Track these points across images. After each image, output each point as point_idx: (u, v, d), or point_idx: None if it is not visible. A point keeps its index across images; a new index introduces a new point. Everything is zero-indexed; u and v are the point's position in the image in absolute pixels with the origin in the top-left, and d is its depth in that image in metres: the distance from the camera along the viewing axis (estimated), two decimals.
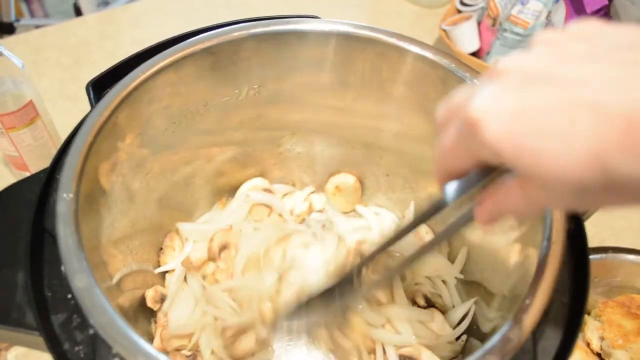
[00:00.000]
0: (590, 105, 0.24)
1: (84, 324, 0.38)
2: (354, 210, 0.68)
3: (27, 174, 0.77)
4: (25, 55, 0.97)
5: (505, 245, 0.49)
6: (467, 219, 0.35)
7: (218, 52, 0.51)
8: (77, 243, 0.37)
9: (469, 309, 0.54)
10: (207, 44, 0.50)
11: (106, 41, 1.00)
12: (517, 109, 0.26)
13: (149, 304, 0.54)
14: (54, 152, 0.77)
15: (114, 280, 0.47)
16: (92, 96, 0.50)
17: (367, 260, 0.44)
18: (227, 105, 0.55)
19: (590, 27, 0.27)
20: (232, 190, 0.66)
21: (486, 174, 0.31)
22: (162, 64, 0.48)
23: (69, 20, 1.06)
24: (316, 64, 0.54)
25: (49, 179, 0.44)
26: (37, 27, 1.83)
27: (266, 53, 0.52)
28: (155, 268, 0.58)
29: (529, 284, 0.38)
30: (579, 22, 0.28)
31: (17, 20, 1.63)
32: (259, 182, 0.66)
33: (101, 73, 0.52)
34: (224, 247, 0.57)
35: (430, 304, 0.58)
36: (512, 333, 0.36)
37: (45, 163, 0.77)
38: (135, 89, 0.46)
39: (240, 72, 0.53)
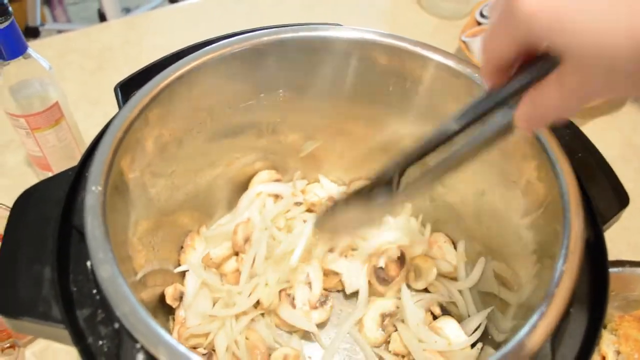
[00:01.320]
0: None
1: (108, 318, 0.39)
2: None
3: (50, 174, 0.78)
4: (49, 59, 0.98)
5: (523, 255, 0.49)
6: (507, 127, 0.36)
7: (246, 56, 0.52)
8: (104, 234, 0.38)
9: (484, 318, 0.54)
10: (236, 47, 0.51)
11: (129, 47, 1.02)
12: None
13: (168, 301, 0.55)
14: (77, 153, 0.79)
15: (138, 277, 0.48)
16: (120, 97, 0.51)
17: (405, 161, 0.41)
18: (251, 108, 0.56)
19: None
20: None
21: (527, 78, 0.32)
22: (191, 65, 0.49)
23: (93, 25, 1.08)
24: (340, 70, 0.55)
25: (77, 177, 0.45)
26: (60, 31, 1.87)
27: (292, 58, 0.53)
28: (175, 267, 0.59)
29: (545, 294, 0.38)
30: None
31: (42, 24, 1.67)
32: (265, 175, 0.66)
33: (129, 75, 0.53)
34: (247, 239, 0.58)
35: (445, 312, 0.58)
36: (529, 339, 0.36)
37: (68, 164, 0.78)
38: (164, 89, 0.47)
39: (265, 76, 0.54)
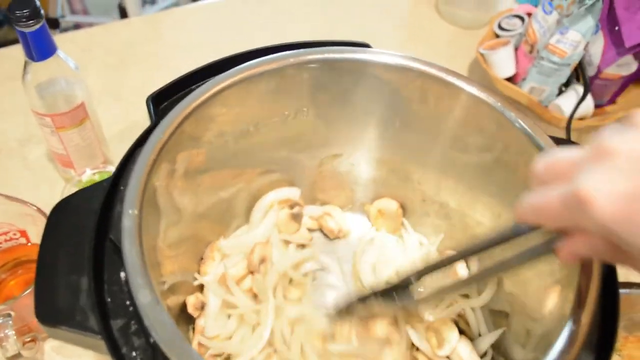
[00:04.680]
0: None
1: (141, 330, 0.40)
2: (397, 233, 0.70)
3: (72, 172, 0.80)
4: (72, 53, 1.00)
5: (537, 279, 0.50)
6: (539, 253, 0.37)
7: (273, 76, 0.53)
8: (141, 259, 0.39)
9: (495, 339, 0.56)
10: (265, 67, 0.52)
11: (150, 44, 1.03)
12: (632, 194, 0.28)
13: (190, 310, 0.56)
14: (98, 152, 0.81)
15: (166, 286, 0.49)
16: (152, 109, 0.53)
17: (426, 271, 0.46)
18: (276, 125, 0.58)
19: None
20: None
21: None
22: (221, 85, 0.50)
23: (115, 21, 1.10)
24: (367, 91, 0.56)
25: (111, 189, 0.47)
26: (77, 25, 1.89)
27: (319, 79, 0.55)
28: (195, 277, 0.60)
29: (563, 325, 0.40)
30: None
31: (63, 16, 1.69)
32: (286, 193, 0.67)
33: (160, 88, 0.55)
34: (263, 260, 0.59)
35: (459, 331, 0.60)
36: None
37: (90, 162, 0.80)
38: (196, 109, 0.49)
39: (291, 94, 0.56)
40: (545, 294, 0.46)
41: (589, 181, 0.30)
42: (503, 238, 0.39)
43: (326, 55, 0.53)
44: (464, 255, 0.44)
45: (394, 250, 0.67)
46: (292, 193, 0.67)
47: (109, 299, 0.42)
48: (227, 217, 0.64)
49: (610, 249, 0.32)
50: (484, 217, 0.59)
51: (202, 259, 0.62)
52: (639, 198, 0.28)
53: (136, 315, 0.40)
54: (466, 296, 0.62)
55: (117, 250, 0.43)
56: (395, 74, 0.54)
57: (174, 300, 0.55)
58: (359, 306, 0.52)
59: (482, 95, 0.51)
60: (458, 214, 0.63)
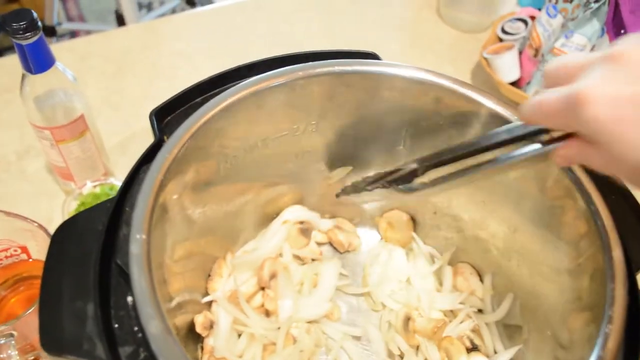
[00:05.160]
0: None
1: (150, 357, 0.39)
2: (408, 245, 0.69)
3: (72, 184, 0.78)
4: (70, 63, 0.98)
5: (554, 300, 0.49)
6: (535, 153, 0.39)
7: (281, 91, 0.52)
8: (151, 287, 0.38)
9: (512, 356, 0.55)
10: (273, 82, 0.51)
11: (148, 52, 1.02)
12: (627, 99, 0.28)
13: (198, 329, 0.55)
14: (99, 164, 0.79)
15: (172, 303, 0.48)
16: (155, 125, 0.51)
17: (431, 159, 0.45)
18: (284, 139, 0.57)
19: None
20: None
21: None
22: (227, 102, 0.49)
23: (113, 29, 1.08)
24: (378, 104, 0.55)
25: (115, 209, 0.45)
26: (73, 32, 1.87)
27: (328, 92, 0.53)
28: (203, 295, 0.59)
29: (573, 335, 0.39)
30: None
31: (59, 24, 1.67)
32: (297, 211, 0.67)
33: (163, 103, 0.53)
34: (273, 276, 0.58)
35: (474, 347, 0.58)
36: None
37: (90, 175, 0.79)
38: (202, 127, 0.47)
39: (300, 108, 0.55)
40: (567, 313, 0.45)
41: (589, 81, 0.30)
42: (512, 138, 0.40)
43: (336, 68, 0.52)
44: (472, 150, 0.42)
45: (402, 263, 0.65)
46: (307, 215, 0.67)
47: (116, 325, 0.41)
48: (235, 232, 0.63)
49: (602, 156, 0.32)
50: (499, 231, 0.58)
51: (209, 275, 0.60)
52: (634, 104, 0.28)
53: (145, 342, 0.39)
54: (480, 311, 0.61)
55: (124, 274, 0.42)
56: (407, 87, 0.53)
57: (181, 320, 0.53)
58: (364, 189, 0.53)
59: (498, 108, 0.50)
60: (471, 227, 0.62)
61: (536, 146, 0.39)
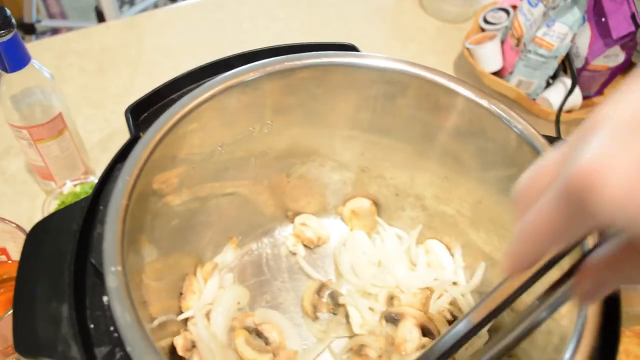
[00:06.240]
0: None
1: (127, 357, 0.38)
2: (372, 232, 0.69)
3: (53, 184, 0.78)
4: (49, 61, 0.97)
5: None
6: (559, 303, 0.32)
7: (255, 85, 0.51)
8: (133, 317, 0.37)
9: None
10: (245, 77, 0.50)
11: (129, 48, 1.01)
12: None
13: (180, 352, 0.53)
14: (79, 162, 0.78)
15: (154, 324, 0.47)
16: (131, 122, 0.51)
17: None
18: (240, 142, 0.56)
19: None
20: (245, 229, 0.66)
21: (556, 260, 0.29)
22: (199, 99, 0.48)
23: (92, 26, 1.07)
24: (331, 95, 0.55)
25: (90, 208, 0.44)
26: (54, 30, 1.85)
27: (301, 85, 0.53)
28: (177, 314, 0.57)
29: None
30: None
31: (39, 21, 1.64)
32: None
33: (138, 99, 0.53)
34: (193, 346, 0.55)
35: (455, 319, 0.59)
36: None
37: (70, 173, 0.78)
38: (172, 128, 0.46)
39: (256, 107, 0.54)
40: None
41: (587, 156, 0.22)
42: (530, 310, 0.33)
43: (308, 61, 0.51)
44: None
45: (369, 247, 0.66)
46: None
47: (92, 326, 0.40)
48: (201, 245, 0.62)
49: (637, 261, 0.25)
50: (464, 204, 0.58)
51: (181, 294, 0.58)
52: None
53: (120, 342, 0.38)
54: (455, 284, 0.62)
55: (99, 274, 0.41)
56: (360, 74, 0.53)
57: (161, 344, 0.52)
58: None
59: (483, 101, 0.49)
60: (435, 204, 0.62)
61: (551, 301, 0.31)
